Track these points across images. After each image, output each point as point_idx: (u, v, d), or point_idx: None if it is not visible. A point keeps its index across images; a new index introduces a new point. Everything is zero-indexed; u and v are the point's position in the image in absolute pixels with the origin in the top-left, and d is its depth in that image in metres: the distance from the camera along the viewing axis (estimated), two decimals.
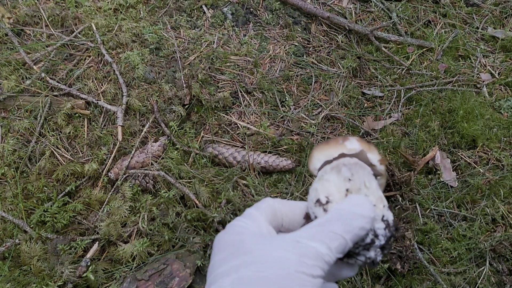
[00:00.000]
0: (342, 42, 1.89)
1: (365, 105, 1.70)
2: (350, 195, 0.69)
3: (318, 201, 0.70)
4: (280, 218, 0.73)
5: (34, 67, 1.62)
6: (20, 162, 1.42)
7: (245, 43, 1.82)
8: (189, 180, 1.39)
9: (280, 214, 0.72)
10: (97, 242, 1.27)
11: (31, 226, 1.29)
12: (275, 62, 1.79)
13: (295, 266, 0.57)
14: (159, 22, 1.85)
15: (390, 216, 0.71)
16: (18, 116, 1.52)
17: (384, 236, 0.68)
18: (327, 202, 0.69)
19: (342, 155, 0.75)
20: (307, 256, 0.58)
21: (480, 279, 1.23)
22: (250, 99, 1.66)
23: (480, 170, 1.46)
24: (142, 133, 1.51)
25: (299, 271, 0.57)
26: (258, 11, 1.96)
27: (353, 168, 0.73)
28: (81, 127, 1.53)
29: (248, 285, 0.55)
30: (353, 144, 0.75)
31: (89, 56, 1.71)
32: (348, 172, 0.72)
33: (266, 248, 0.60)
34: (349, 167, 0.73)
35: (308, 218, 0.75)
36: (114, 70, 1.65)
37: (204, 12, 1.93)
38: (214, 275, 0.59)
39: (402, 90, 1.71)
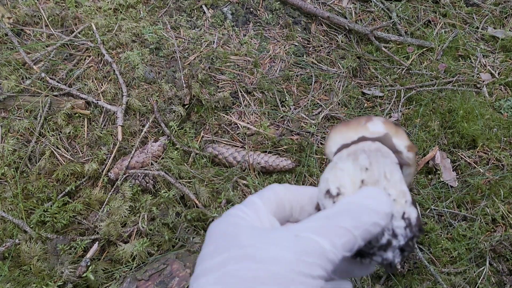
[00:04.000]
0: (342, 42, 1.89)
1: (365, 105, 1.70)
2: (364, 187, 0.60)
3: (328, 192, 0.61)
4: (289, 208, 0.65)
5: (34, 67, 1.61)
6: (20, 162, 1.42)
7: (245, 43, 1.82)
8: (189, 180, 1.39)
9: (288, 203, 0.64)
10: (97, 242, 1.27)
11: (31, 226, 1.29)
12: (275, 62, 1.79)
13: (291, 265, 0.50)
14: (159, 22, 1.85)
15: (413, 214, 0.61)
16: (18, 116, 1.52)
17: (405, 236, 0.59)
18: (338, 194, 0.60)
19: (363, 139, 0.65)
20: (307, 252, 0.51)
21: (480, 279, 1.23)
22: (250, 99, 1.66)
23: (480, 170, 1.46)
24: (142, 133, 1.51)
25: (296, 271, 0.50)
26: (258, 11, 1.96)
27: (372, 156, 0.63)
28: (81, 127, 1.53)
29: (234, 285, 0.49)
30: (377, 126, 0.64)
31: (89, 56, 1.71)
32: (366, 160, 0.62)
33: (261, 244, 0.53)
34: (368, 154, 0.63)
35: (319, 210, 0.65)
36: (114, 70, 1.65)
37: (204, 12, 1.93)
38: (201, 268, 0.54)
39: (402, 90, 1.71)
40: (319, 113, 1.67)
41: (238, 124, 1.59)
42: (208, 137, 1.54)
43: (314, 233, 0.53)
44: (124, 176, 1.41)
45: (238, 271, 0.50)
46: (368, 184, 0.60)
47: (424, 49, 1.87)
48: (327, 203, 0.61)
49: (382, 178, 0.61)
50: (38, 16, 1.78)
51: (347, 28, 1.90)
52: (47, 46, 1.70)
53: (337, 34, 1.92)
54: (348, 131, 0.65)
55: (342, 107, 1.69)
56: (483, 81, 1.77)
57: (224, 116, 1.60)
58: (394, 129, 0.65)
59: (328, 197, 0.61)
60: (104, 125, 1.55)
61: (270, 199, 0.63)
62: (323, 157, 1.52)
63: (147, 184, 1.38)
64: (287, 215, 0.65)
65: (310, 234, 0.53)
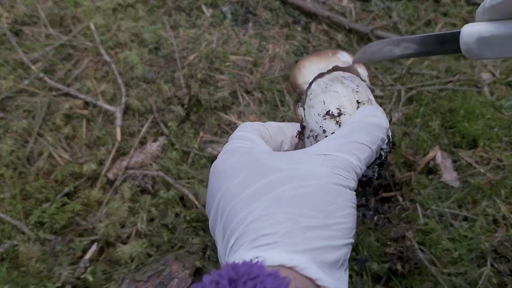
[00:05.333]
0: (342, 41, 1.88)
1: None
2: (362, 106, 0.63)
3: (328, 113, 0.62)
4: (269, 137, 0.65)
5: (32, 67, 1.61)
6: (18, 163, 1.41)
7: (244, 42, 1.81)
8: (188, 181, 1.38)
9: (268, 134, 0.64)
10: (96, 243, 1.26)
11: (29, 227, 1.28)
12: (274, 62, 1.78)
13: (331, 178, 0.50)
14: (158, 21, 1.84)
15: (389, 131, 0.65)
16: (17, 116, 1.51)
17: (385, 152, 0.63)
18: (340, 114, 0.62)
19: (336, 68, 0.68)
20: (340, 168, 0.52)
21: (481, 280, 1.23)
22: (249, 98, 1.65)
23: (481, 170, 1.45)
24: (141, 133, 1.50)
25: (337, 183, 0.50)
26: (257, 11, 1.95)
27: (355, 80, 0.66)
28: (80, 127, 1.52)
29: (289, 205, 0.48)
30: (346, 57, 0.68)
31: (88, 56, 1.71)
32: (352, 84, 0.65)
33: (293, 165, 0.52)
34: (350, 79, 0.66)
35: (301, 137, 0.68)
36: (113, 70, 1.64)
37: (203, 12, 1.92)
38: (237, 204, 0.50)
39: (403, 90, 1.71)
40: None
41: (238, 124, 1.58)
42: (207, 137, 1.54)
43: (339, 151, 0.53)
44: (123, 176, 1.40)
45: (287, 191, 0.49)
46: (363, 103, 0.63)
47: None
48: (327, 124, 0.62)
49: (368, 99, 0.64)
50: (36, 15, 1.77)
51: (347, 27, 1.89)
52: (45, 46, 1.69)
53: (337, 33, 1.91)
54: (321, 61, 0.67)
55: None
56: (484, 81, 1.77)
57: (223, 116, 1.59)
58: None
59: (329, 118, 0.62)
60: (103, 125, 1.54)
61: (254, 130, 0.63)
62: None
63: (146, 185, 1.38)
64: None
65: (335, 152, 0.53)
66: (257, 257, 0.44)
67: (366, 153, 0.55)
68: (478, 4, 2.08)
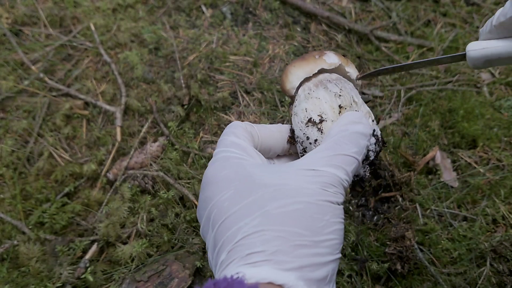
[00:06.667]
0: (341, 41, 1.88)
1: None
2: (345, 111, 0.63)
3: (310, 120, 0.63)
4: (258, 142, 0.65)
5: (33, 67, 1.61)
6: (18, 163, 1.41)
7: (244, 42, 1.82)
8: (188, 181, 1.38)
9: (257, 138, 0.65)
10: (96, 243, 1.26)
11: (30, 227, 1.28)
12: (274, 62, 1.79)
13: (320, 195, 0.52)
14: (158, 22, 1.85)
15: (378, 130, 0.65)
16: (17, 117, 1.51)
17: (374, 152, 0.63)
18: (321, 120, 0.62)
19: (322, 71, 0.68)
20: (329, 184, 0.53)
21: (481, 280, 1.23)
22: (249, 99, 1.65)
23: (481, 170, 1.46)
24: (141, 134, 1.51)
25: (325, 200, 0.52)
26: (257, 11, 1.95)
27: (339, 83, 0.66)
28: (80, 128, 1.52)
29: (279, 222, 0.49)
30: (332, 58, 0.68)
31: (88, 56, 1.71)
32: (336, 88, 0.65)
33: (280, 179, 0.54)
34: (335, 83, 0.66)
35: (292, 142, 0.68)
36: (112, 70, 1.64)
37: (203, 12, 1.92)
38: (228, 219, 0.52)
39: (402, 90, 1.71)
40: None
41: None
42: (207, 138, 1.54)
43: (327, 166, 0.54)
44: (123, 176, 1.40)
45: (277, 208, 0.50)
46: (345, 108, 0.63)
47: (424, 49, 1.87)
48: (310, 131, 0.62)
49: (352, 101, 0.64)
50: (36, 16, 1.78)
51: (347, 27, 1.89)
52: (45, 46, 1.69)
53: (336, 33, 1.92)
54: (308, 65, 0.67)
55: None
56: (484, 81, 1.77)
57: (223, 116, 1.59)
58: (345, 60, 0.69)
59: (311, 125, 0.62)
60: (103, 126, 1.55)
61: (244, 135, 0.63)
62: None
63: (146, 185, 1.38)
64: (256, 149, 0.65)
65: (323, 167, 0.54)
66: (237, 273, 0.45)
67: (354, 165, 0.56)
68: (478, 5, 2.08)
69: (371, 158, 0.63)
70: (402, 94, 1.69)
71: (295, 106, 0.66)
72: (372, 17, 2.01)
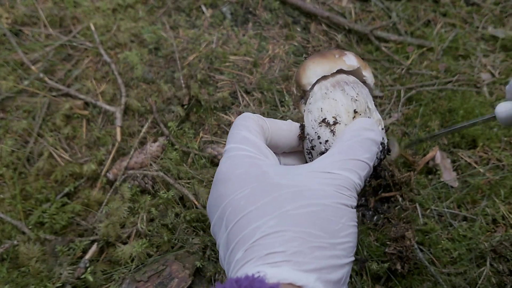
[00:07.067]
0: (341, 41, 1.88)
1: None
2: (358, 117, 0.63)
3: (324, 121, 0.63)
4: (268, 136, 0.65)
5: (32, 67, 1.61)
6: (18, 163, 1.41)
7: (244, 42, 1.82)
8: (188, 181, 1.38)
9: (268, 132, 0.65)
10: (96, 243, 1.26)
11: (30, 227, 1.28)
12: (274, 62, 1.79)
13: (335, 198, 0.52)
14: (158, 22, 1.85)
15: (386, 139, 0.65)
16: (17, 117, 1.51)
17: (378, 159, 0.63)
18: (335, 123, 0.62)
19: (340, 71, 0.67)
20: (344, 187, 0.54)
21: (481, 280, 1.23)
22: (249, 99, 1.65)
23: (481, 170, 1.46)
24: (141, 134, 1.51)
25: (340, 203, 0.52)
26: (257, 11, 1.96)
27: (356, 87, 0.66)
28: (80, 128, 1.52)
29: (297, 223, 0.49)
30: (352, 60, 0.67)
31: (88, 56, 1.71)
32: (353, 91, 0.64)
33: (296, 181, 0.54)
34: (352, 86, 0.65)
35: (303, 139, 0.68)
36: (112, 70, 1.64)
37: (203, 12, 1.93)
38: (244, 218, 0.52)
39: (402, 90, 1.71)
40: None
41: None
42: (207, 138, 1.54)
43: (342, 169, 0.55)
44: (123, 176, 1.40)
45: (295, 209, 0.50)
46: (360, 113, 0.63)
47: (424, 49, 1.87)
48: (322, 131, 0.63)
49: (366, 107, 0.64)
50: (36, 16, 1.78)
51: (347, 27, 1.89)
52: (45, 46, 1.69)
53: (336, 33, 1.92)
54: (326, 63, 0.66)
55: None
56: (483, 81, 1.77)
57: (223, 116, 1.59)
58: (363, 63, 0.69)
59: (324, 126, 0.63)
60: (103, 126, 1.55)
61: (256, 129, 0.63)
62: None
63: (146, 185, 1.38)
64: (267, 143, 0.65)
65: (339, 170, 0.55)
66: (258, 272, 0.45)
67: (366, 170, 0.57)
68: (478, 4, 2.08)
69: (375, 165, 0.63)
70: (402, 94, 1.69)
71: (309, 104, 0.66)
72: (372, 17, 2.01)
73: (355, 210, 0.55)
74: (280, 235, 0.48)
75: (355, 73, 0.69)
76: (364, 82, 0.70)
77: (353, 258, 0.53)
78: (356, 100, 0.64)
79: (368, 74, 0.69)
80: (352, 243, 0.52)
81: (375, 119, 0.65)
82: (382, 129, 0.65)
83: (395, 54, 1.83)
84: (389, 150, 0.66)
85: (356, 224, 0.55)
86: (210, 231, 0.59)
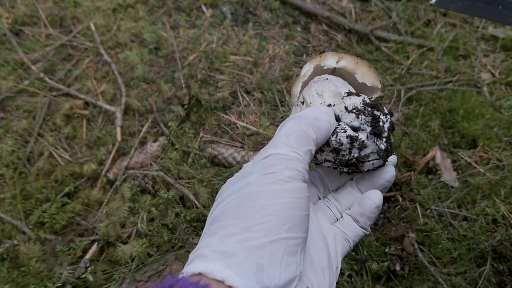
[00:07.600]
0: (342, 41, 1.88)
1: None
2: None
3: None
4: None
5: (33, 67, 1.61)
6: (18, 163, 1.41)
7: (244, 42, 1.82)
8: (188, 181, 1.38)
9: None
10: (96, 243, 1.26)
11: (30, 227, 1.28)
12: (274, 62, 1.79)
13: (259, 181, 0.57)
14: (158, 21, 1.85)
15: (355, 101, 0.65)
16: (17, 117, 1.51)
17: (367, 122, 0.63)
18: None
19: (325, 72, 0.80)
20: (270, 165, 0.58)
21: (481, 280, 1.23)
22: (249, 99, 1.65)
23: (481, 170, 1.46)
24: (141, 133, 1.51)
25: (264, 183, 0.56)
26: (257, 11, 1.95)
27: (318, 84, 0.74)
28: (80, 128, 1.52)
29: (221, 219, 0.54)
30: (327, 60, 0.77)
31: (88, 56, 1.71)
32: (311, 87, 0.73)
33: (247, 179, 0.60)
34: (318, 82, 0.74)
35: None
36: (113, 70, 1.64)
37: (203, 12, 1.92)
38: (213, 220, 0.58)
39: (402, 90, 1.71)
40: None
41: (238, 124, 1.58)
42: (207, 137, 1.54)
43: (266, 150, 0.60)
44: (123, 176, 1.40)
45: (226, 205, 0.57)
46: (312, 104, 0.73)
47: (424, 49, 1.87)
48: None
49: (316, 95, 0.72)
50: (36, 16, 1.78)
51: (347, 27, 1.89)
52: (45, 46, 1.69)
53: (336, 33, 1.92)
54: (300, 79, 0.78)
55: None
56: (484, 81, 1.77)
57: (223, 116, 1.59)
58: (353, 61, 0.79)
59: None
60: (103, 126, 1.55)
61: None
62: None
63: (146, 185, 1.38)
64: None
65: (264, 152, 0.60)
66: (182, 273, 0.50)
67: (295, 134, 0.60)
68: None
69: (369, 129, 0.64)
70: (402, 94, 1.69)
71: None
72: (372, 17, 2.01)
73: (291, 184, 0.53)
74: (208, 235, 0.54)
75: (345, 72, 0.78)
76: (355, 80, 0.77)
77: (283, 235, 0.51)
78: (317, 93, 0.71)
79: (359, 76, 0.77)
80: (274, 221, 0.51)
81: (330, 96, 0.69)
82: (343, 97, 0.67)
83: (395, 54, 1.83)
84: (373, 105, 0.67)
85: (286, 197, 0.53)
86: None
